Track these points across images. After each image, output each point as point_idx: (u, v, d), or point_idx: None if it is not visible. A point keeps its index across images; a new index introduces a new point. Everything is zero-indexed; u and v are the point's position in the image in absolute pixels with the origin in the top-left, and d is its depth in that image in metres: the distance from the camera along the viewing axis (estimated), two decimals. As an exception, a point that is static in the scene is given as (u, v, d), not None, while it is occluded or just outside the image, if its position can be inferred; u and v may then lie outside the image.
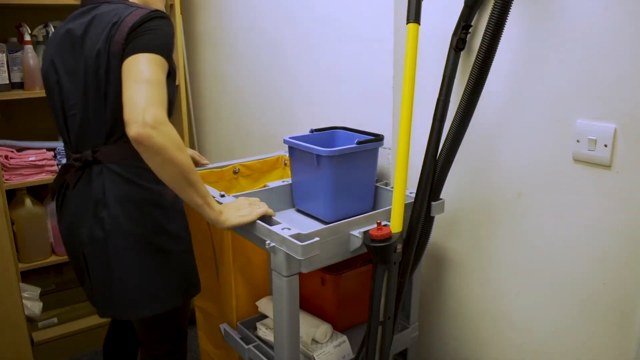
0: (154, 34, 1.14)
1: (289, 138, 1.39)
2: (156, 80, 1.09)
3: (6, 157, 2.00)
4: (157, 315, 1.29)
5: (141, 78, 1.08)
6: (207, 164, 1.58)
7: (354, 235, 1.17)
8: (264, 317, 1.44)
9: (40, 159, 2.03)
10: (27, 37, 2.01)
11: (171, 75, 1.20)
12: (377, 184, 1.43)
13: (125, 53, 1.12)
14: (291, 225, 1.14)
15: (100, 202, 1.21)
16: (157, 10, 1.18)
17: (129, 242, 1.22)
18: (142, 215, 1.22)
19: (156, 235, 1.24)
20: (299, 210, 1.47)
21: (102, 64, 1.16)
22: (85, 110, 1.21)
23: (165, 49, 1.15)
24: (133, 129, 1.04)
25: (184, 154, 1.09)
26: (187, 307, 1.44)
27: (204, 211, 1.16)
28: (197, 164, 1.56)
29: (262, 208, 1.22)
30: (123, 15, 1.16)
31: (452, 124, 1.20)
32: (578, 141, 1.08)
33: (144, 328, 1.38)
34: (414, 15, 1.16)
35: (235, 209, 1.20)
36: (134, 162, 1.19)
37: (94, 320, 2.18)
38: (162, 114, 1.07)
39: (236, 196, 1.33)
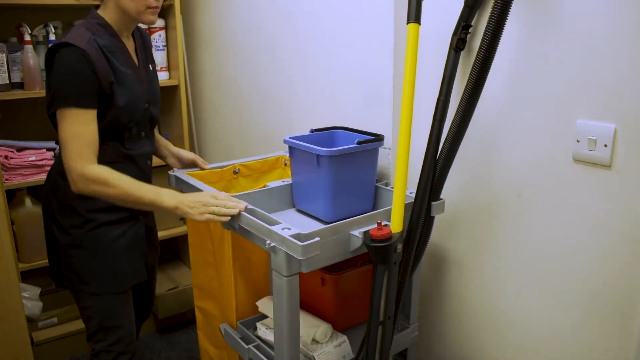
0: (59, 80, 1.25)
1: (289, 138, 1.39)
2: (71, 136, 1.25)
3: (6, 157, 2.00)
4: (73, 293, 1.48)
5: (61, 137, 1.27)
6: (207, 168, 1.58)
7: (354, 235, 1.17)
8: (264, 317, 1.44)
9: (40, 159, 2.03)
10: (27, 37, 2.01)
11: (108, 97, 1.30)
12: (377, 184, 1.43)
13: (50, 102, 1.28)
14: (291, 225, 1.13)
15: None
16: (61, 44, 1.25)
17: (43, 218, 1.49)
18: (46, 200, 1.45)
19: (48, 218, 1.45)
20: (299, 210, 1.47)
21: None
22: None
23: (72, 97, 1.25)
24: (71, 186, 1.28)
25: (112, 188, 1.26)
26: (100, 304, 1.45)
27: (160, 210, 1.30)
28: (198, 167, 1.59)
29: (219, 209, 1.23)
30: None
31: (452, 124, 1.19)
32: (578, 141, 1.08)
33: None
34: (414, 15, 1.17)
35: (192, 203, 1.26)
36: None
37: (94, 320, 2.18)
38: (81, 166, 1.25)
39: (236, 196, 1.33)
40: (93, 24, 1.33)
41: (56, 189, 1.41)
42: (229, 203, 1.24)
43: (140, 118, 1.42)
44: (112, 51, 1.33)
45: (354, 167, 1.33)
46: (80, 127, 1.25)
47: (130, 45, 1.43)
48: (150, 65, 1.49)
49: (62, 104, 1.24)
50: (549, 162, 1.15)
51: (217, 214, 1.23)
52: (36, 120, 2.28)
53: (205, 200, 1.24)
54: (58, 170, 1.40)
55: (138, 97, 1.39)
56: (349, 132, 1.48)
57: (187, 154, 1.61)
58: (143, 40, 1.50)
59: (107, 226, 1.41)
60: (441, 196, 1.28)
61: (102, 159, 1.31)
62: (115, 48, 1.35)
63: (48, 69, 1.28)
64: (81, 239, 1.40)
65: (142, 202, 1.27)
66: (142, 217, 1.49)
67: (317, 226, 1.33)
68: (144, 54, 1.48)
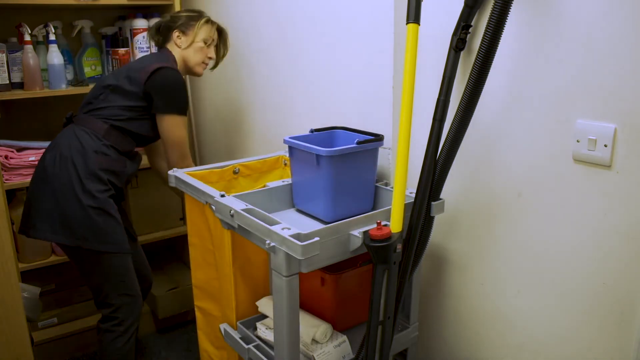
0: (176, 92, 1.72)
1: (289, 138, 1.39)
2: (182, 139, 1.76)
3: (6, 157, 2.00)
4: (82, 254, 1.70)
5: (172, 138, 1.75)
6: None
7: (354, 235, 1.17)
8: (264, 317, 1.44)
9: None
10: (27, 37, 2.01)
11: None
12: (377, 184, 1.43)
13: (156, 107, 1.71)
14: (291, 225, 1.13)
15: None
16: (170, 67, 1.74)
17: (53, 185, 1.71)
18: (66, 168, 1.68)
19: (70, 182, 1.66)
20: (299, 210, 1.47)
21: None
22: None
23: (183, 108, 1.75)
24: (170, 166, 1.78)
25: None
26: (115, 263, 1.70)
27: None
28: None
29: None
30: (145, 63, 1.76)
31: (452, 124, 1.19)
32: (578, 141, 1.08)
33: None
34: (414, 15, 1.17)
35: None
36: None
37: (94, 320, 2.18)
38: (188, 164, 1.80)
39: (236, 197, 1.33)
40: (170, 58, 1.79)
41: (84, 159, 1.65)
42: None
43: None
44: None
45: (353, 167, 1.33)
46: (184, 132, 1.74)
47: None
48: None
49: (176, 111, 1.71)
50: (549, 162, 1.15)
51: None
52: (36, 120, 2.28)
53: None
54: (89, 144, 1.67)
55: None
56: (349, 132, 1.48)
57: None
58: None
59: (114, 194, 1.72)
60: (441, 196, 1.28)
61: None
62: None
63: (158, 82, 1.69)
64: (103, 202, 1.65)
65: None
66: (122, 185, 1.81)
67: (317, 226, 1.33)
68: None
